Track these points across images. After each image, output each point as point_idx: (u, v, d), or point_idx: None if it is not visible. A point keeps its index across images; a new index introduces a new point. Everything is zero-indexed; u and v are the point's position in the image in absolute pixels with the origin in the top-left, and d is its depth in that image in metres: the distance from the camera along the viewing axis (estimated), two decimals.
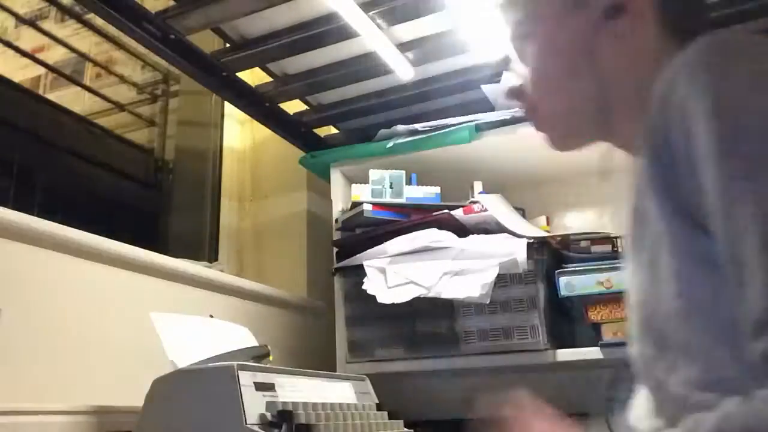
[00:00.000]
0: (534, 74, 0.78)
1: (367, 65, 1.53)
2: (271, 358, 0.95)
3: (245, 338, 1.13)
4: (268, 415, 0.73)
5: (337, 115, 1.80)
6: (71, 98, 2.81)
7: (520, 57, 0.81)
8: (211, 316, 1.18)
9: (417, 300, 1.39)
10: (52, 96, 2.79)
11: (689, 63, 0.55)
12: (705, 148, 0.52)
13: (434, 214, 1.50)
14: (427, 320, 1.44)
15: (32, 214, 1.09)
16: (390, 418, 1.10)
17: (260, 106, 1.68)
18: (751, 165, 0.50)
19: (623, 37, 0.70)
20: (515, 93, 0.80)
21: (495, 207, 1.47)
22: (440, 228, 1.47)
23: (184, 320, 1.02)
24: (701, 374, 0.54)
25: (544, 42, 0.76)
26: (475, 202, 1.48)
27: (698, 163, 0.53)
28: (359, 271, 1.50)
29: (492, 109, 1.61)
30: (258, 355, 0.85)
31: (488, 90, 1.58)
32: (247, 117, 2.01)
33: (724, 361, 0.53)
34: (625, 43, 0.70)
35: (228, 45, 1.52)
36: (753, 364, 0.48)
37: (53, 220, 1.13)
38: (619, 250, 1.35)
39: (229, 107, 2.13)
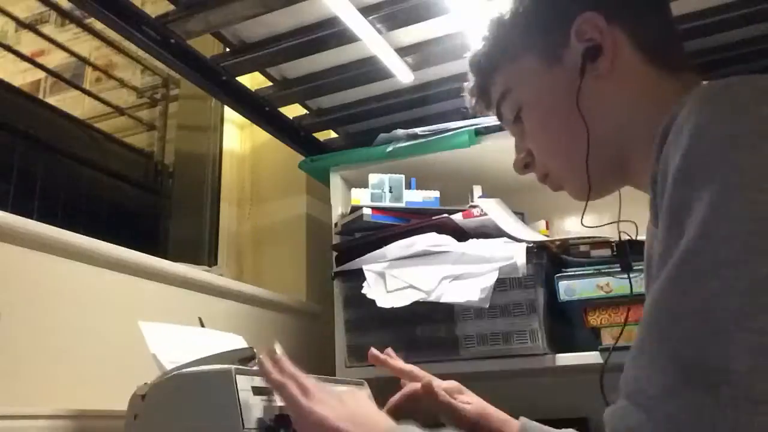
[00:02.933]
0: (533, 143, 0.77)
1: (366, 69, 1.53)
2: (257, 360, 0.93)
3: (237, 345, 1.13)
4: (266, 419, 0.73)
5: (336, 120, 1.80)
6: (71, 102, 2.81)
7: (510, 131, 0.81)
8: (200, 318, 1.16)
9: (416, 304, 1.39)
10: (51, 100, 2.79)
11: (683, 113, 0.52)
12: (664, 206, 0.50)
13: (434, 218, 1.50)
14: (427, 325, 1.44)
15: (31, 218, 1.09)
16: None
17: (260, 110, 1.68)
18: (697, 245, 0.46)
19: (609, 77, 0.68)
20: (524, 166, 0.80)
21: (494, 211, 1.47)
22: (440, 232, 1.47)
23: (173, 328, 1.01)
24: None
25: (532, 110, 0.75)
26: (474, 207, 1.48)
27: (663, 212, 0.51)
28: (359, 276, 1.50)
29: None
30: (243, 357, 0.84)
31: None
32: (247, 121, 2.01)
33: None
34: (612, 82, 0.68)
35: (228, 49, 1.52)
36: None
37: (52, 224, 1.13)
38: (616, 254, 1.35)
39: (228, 111, 2.13)
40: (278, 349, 0.75)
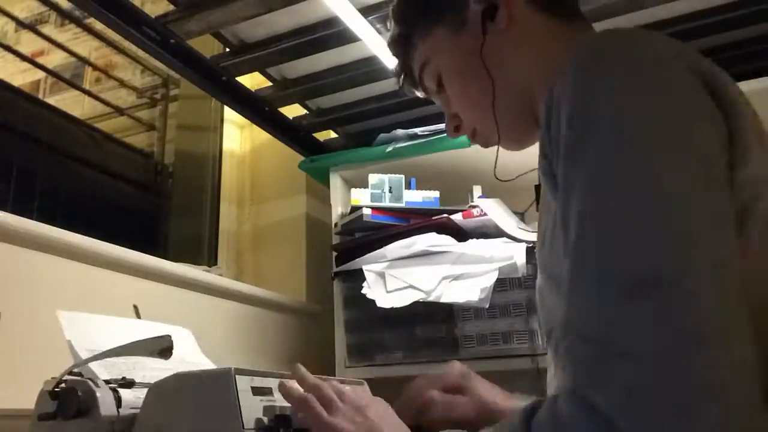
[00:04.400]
0: (456, 105, 0.83)
1: (366, 69, 1.53)
2: (174, 352, 0.84)
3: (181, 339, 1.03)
4: (266, 419, 0.73)
5: (336, 120, 1.80)
6: (71, 102, 2.81)
7: (437, 101, 0.87)
8: (135, 307, 1.09)
9: (416, 304, 1.39)
10: (51, 100, 2.79)
11: (570, 64, 0.57)
12: (561, 149, 0.54)
13: (433, 218, 1.50)
14: (427, 325, 1.44)
15: (31, 218, 1.09)
16: None
17: (260, 110, 1.68)
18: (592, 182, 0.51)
19: (509, 31, 0.74)
20: (454, 129, 0.86)
21: (494, 211, 1.47)
22: (439, 232, 1.47)
23: (99, 318, 0.93)
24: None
25: (448, 75, 0.81)
26: (474, 206, 1.48)
27: (557, 161, 0.55)
28: (358, 276, 1.50)
29: None
30: (161, 348, 0.79)
31: None
32: (247, 121, 2.02)
33: None
34: (513, 35, 0.74)
35: (228, 49, 1.52)
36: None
37: (52, 224, 1.13)
38: None
39: (228, 111, 2.13)
40: (300, 368, 0.76)
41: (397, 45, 0.86)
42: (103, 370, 0.83)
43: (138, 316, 1.10)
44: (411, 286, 1.41)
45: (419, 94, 0.90)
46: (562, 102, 0.55)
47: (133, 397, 0.77)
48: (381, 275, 1.47)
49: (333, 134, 1.93)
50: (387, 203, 1.57)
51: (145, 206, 2.37)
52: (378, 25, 1.36)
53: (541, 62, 0.73)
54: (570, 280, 0.50)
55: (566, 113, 0.54)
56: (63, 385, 0.77)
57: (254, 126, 1.95)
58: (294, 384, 0.75)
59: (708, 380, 0.41)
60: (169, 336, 0.77)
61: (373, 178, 1.59)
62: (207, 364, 1.02)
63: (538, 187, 0.90)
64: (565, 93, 0.55)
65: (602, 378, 0.45)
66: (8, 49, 2.59)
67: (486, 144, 0.84)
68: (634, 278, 0.45)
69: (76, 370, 0.80)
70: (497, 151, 0.84)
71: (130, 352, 0.80)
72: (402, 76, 0.89)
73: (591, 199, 0.50)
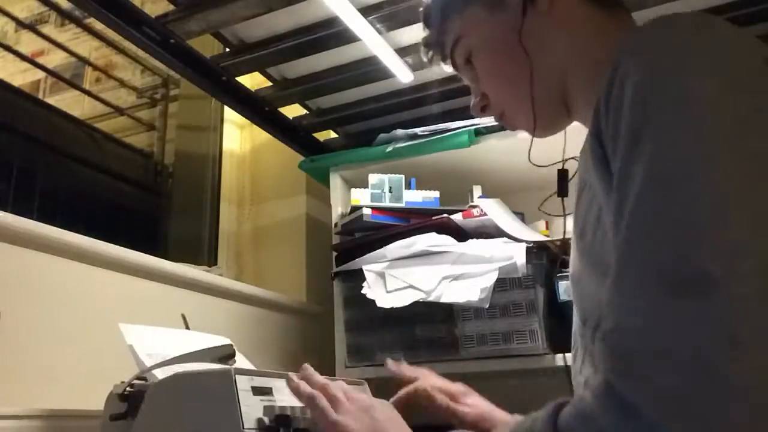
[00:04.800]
0: (486, 85, 0.81)
1: (366, 70, 1.53)
2: (236, 358, 0.92)
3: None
4: (266, 419, 0.73)
5: (336, 120, 1.80)
6: (71, 102, 2.81)
7: (465, 77, 0.85)
8: (183, 316, 1.14)
9: (416, 304, 1.39)
10: (51, 100, 2.79)
11: (635, 46, 0.56)
12: (623, 135, 0.53)
13: (433, 218, 1.50)
14: (427, 325, 1.44)
15: (31, 218, 1.09)
16: None
17: (260, 110, 1.68)
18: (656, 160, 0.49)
19: (549, 15, 0.73)
20: (480, 109, 0.84)
21: (494, 211, 1.47)
22: (439, 232, 1.47)
23: (154, 329, 1.00)
24: None
25: (481, 53, 0.79)
26: (474, 207, 1.48)
27: (617, 140, 0.54)
28: (358, 276, 1.50)
29: None
30: (223, 356, 0.84)
31: None
32: (247, 121, 2.02)
33: None
34: (552, 20, 0.73)
35: (228, 49, 1.52)
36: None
37: (52, 224, 1.13)
38: None
39: (228, 111, 2.13)
40: (308, 368, 0.77)
41: (431, 17, 0.85)
42: (163, 376, 0.88)
43: (186, 325, 1.14)
44: (411, 286, 1.41)
45: (446, 67, 0.87)
46: (625, 86, 0.53)
47: None
48: (381, 275, 1.47)
49: (333, 134, 1.93)
50: (387, 203, 1.57)
51: (145, 206, 2.37)
52: (378, 25, 1.36)
53: (579, 49, 0.72)
54: (616, 271, 0.50)
55: (629, 99, 0.52)
56: (130, 389, 0.85)
57: (254, 126, 1.95)
58: (302, 381, 0.75)
59: (746, 384, 0.41)
60: (231, 344, 0.83)
61: (373, 178, 1.59)
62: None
63: (563, 173, 0.90)
64: (629, 76, 0.53)
65: (639, 375, 0.44)
66: (8, 49, 2.59)
67: (512, 127, 0.83)
68: (682, 277, 0.45)
69: (140, 375, 0.88)
70: (532, 136, 0.81)
71: (195, 359, 0.85)
72: (431, 48, 0.87)
73: (648, 191, 0.49)
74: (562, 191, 0.90)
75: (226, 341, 1.10)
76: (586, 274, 0.65)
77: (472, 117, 1.60)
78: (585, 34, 0.72)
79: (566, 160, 0.88)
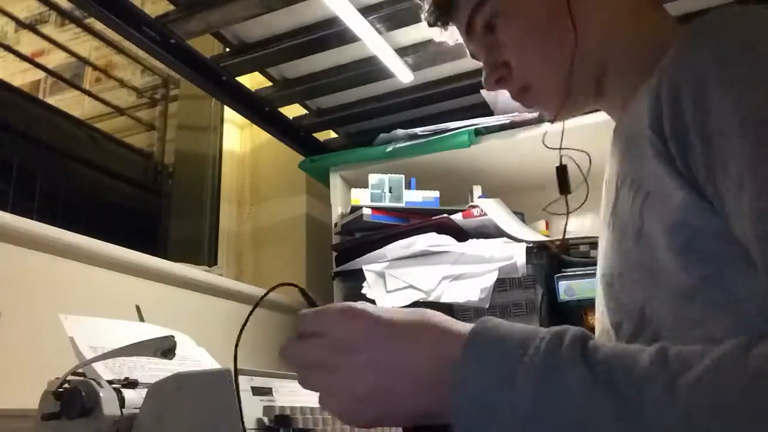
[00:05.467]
0: (514, 54, 0.73)
1: (366, 70, 1.53)
2: (176, 352, 0.82)
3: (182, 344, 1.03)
4: (266, 419, 0.73)
5: (336, 120, 1.80)
6: (71, 102, 2.81)
7: (478, 44, 0.77)
8: (137, 307, 1.06)
9: (416, 304, 1.39)
10: (51, 100, 2.79)
11: (705, 29, 0.54)
12: (725, 119, 0.49)
13: (433, 218, 1.50)
14: None
15: (31, 218, 1.09)
16: None
17: (260, 110, 1.68)
18: None
19: None
20: (496, 81, 0.76)
21: (494, 211, 1.47)
22: (439, 232, 1.47)
23: (101, 320, 0.92)
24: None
25: (516, 18, 0.71)
26: (474, 207, 1.48)
27: (713, 135, 0.50)
28: (358, 276, 1.50)
29: (491, 113, 1.62)
30: (164, 349, 0.77)
31: (487, 94, 1.58)
32: (247, 121, 2.01)
33: (727, 334, 0.46)
34: None
35: (228, 49, 1.52)
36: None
37: (52, 224, 1.13)
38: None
39: (228, 111, 2.13)
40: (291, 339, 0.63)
41: None
42: (106, 371, 0.83)
43: (141, 317, 1.09)
44: (411, 286, 1.41)
45: (447, 36, 0.79)
46: (708, 86, 0.50)
47: (136, 397, 0.77)
48: (381, 275, 1.47)
49: (333, 134, 1.93)
50: (387, 203, 1.57)
51: (145, 206, 2.37)
52: (378, 25, 1.36)
53: (625, 28, 0.68)
54: (763, 261, 0.46)
55: (716, 99, 0.50)
56: (66, 385, 0.76)
57: (254, 126, 1.95)
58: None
59: None
60: (173, 336, 0.77)
61: (373, 178, 1.59)
62: (210, 362, 1.01)
63: (562, 169, 0.86)
64: (697, 61, 0.51)
65: None
66: (8, 49, 2.59)
67: (532, 103, 0.75)
68: None
69: (79, 370, 0.80)
70: (553, 116, 0.74)
71: (133, 352, 0.80)
72: (440, 7, 0.77)
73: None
74: (565, 188, 0.87)
75: (181, 334, 1.02)
76: (629, 277, 0.61)
77: (472, 117, 1.60)
78: (631, 20, 0.67)
79: (562, 156, 0.84)
